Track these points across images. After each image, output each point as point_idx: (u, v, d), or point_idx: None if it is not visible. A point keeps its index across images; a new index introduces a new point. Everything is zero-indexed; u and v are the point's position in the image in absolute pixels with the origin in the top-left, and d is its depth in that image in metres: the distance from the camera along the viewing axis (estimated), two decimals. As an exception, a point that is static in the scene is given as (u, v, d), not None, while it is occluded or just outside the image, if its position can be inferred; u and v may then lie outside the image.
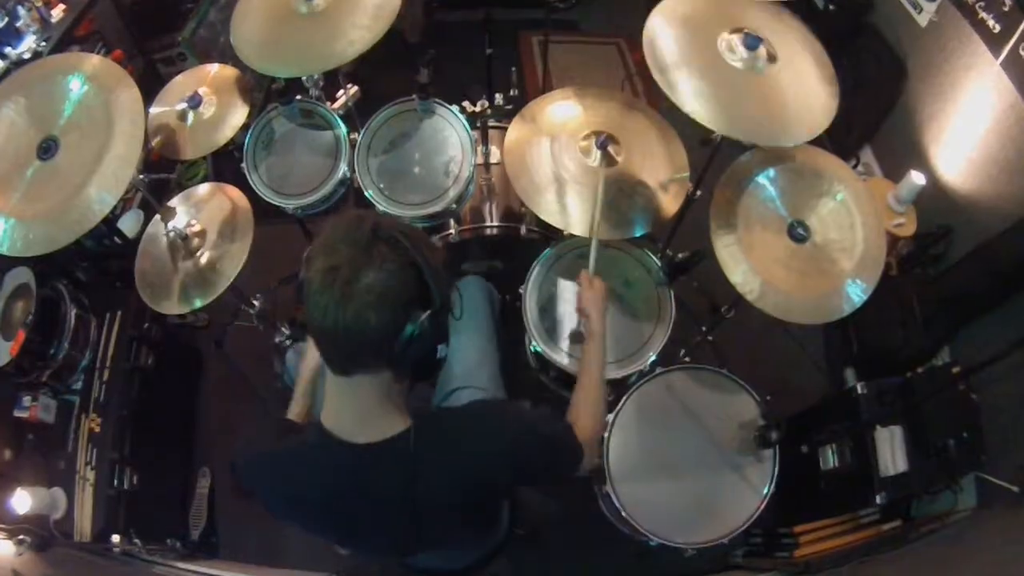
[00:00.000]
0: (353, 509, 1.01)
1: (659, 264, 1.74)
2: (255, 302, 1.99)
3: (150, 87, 1.80)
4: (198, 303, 1.61)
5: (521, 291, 1.70)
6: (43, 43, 2.17)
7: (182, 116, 1.83)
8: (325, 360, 0.94)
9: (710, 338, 2.12)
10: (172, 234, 1.65)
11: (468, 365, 1.57)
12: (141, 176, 1.64)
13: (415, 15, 3.07)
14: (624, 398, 1.61)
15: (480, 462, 1.01)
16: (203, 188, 1.78)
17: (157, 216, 1.71)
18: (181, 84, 1.90)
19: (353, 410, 0.96)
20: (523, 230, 1.90)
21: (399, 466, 0.96)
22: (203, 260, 1.65)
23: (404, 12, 1.58)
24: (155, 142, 1.81)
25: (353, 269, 0.84)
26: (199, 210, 1.74)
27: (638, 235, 1.62)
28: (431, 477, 0.98)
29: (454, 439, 1.02)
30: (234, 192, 1.74)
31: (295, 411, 1.31)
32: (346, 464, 0.97)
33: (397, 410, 0.98)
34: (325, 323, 0.86)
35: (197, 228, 1.69)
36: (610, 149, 1.65)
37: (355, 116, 1.98)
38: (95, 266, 2.20)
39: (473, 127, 1.77)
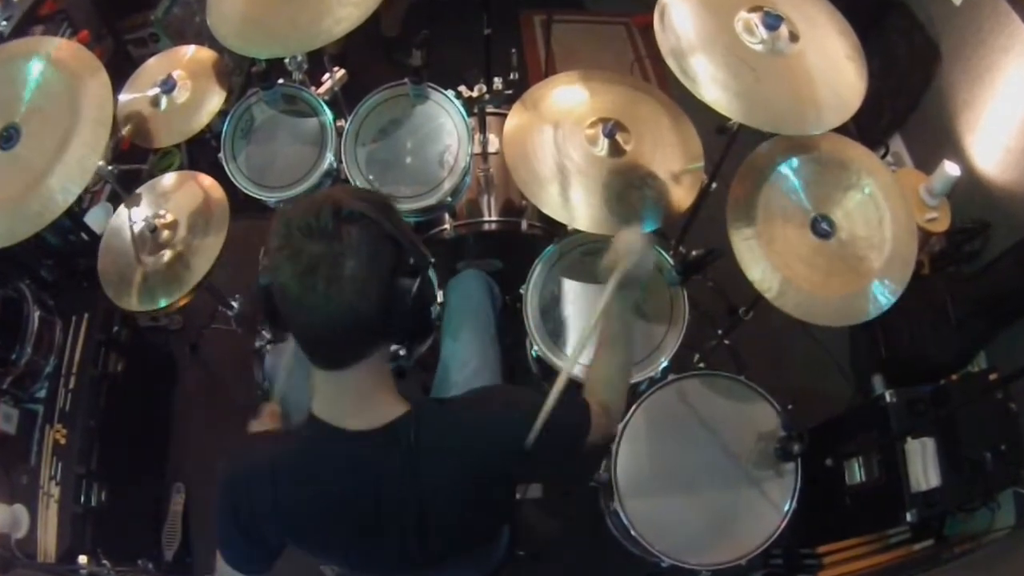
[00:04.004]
0: (353, 507, 1.01)
1: (671, 262, 1.74)
2: (233, 303, 1.99)
3: (120, 71, 1.80)
4: (163, 302, 1.60)
5: (522, 291, 1.70)
6: (3, 23, 2.16)
7: (154, 102, 1.82)
8: (316, 362, 0.95)
9: (726, 342, 2.13)
10: (138, 225, 1.65)
11: (467, 371, 1.57)
12: (110, 167, 1.64)
13: (397, 7, 3.06)
14: (634, 407, 1.61)
15: (487, 446, 1.02)
16: (171, 177, 1.78)
17: (121, 206, 1.71)
18: (153, 67, 1.89)
19: (350, 397, 0.98)
20: (524, 225, 1.90)
21: (402, 452, 0.97)
22: (172, 254, 1.64)
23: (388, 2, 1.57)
24: (125, 130, 1.81)
25: (330, 264, 0.85)
26: (168, 200, 1.73)
27: (648, 231, 1.62)
28: (436, 464, 0.99)
29: (459, 423, 1.03)
30: (207, 180, 1.74)
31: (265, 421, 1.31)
32: (346, 453, 0.98)
33: (394, 395, 1.01)
34: (314, 325, 0.88)
35: (167, 219, 1.68)
36: (618, 137, 1.65)
37: (342, 102, 1.98)
38: (60, 264, 2.19)
39: (470, 114, 1.77)
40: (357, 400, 0.98)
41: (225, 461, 1.06)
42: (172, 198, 1.73)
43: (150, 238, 1.65)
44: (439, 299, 1.71)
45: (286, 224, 0.87)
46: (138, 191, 1.74)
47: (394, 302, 0.90)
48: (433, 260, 1.75)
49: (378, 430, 0.97)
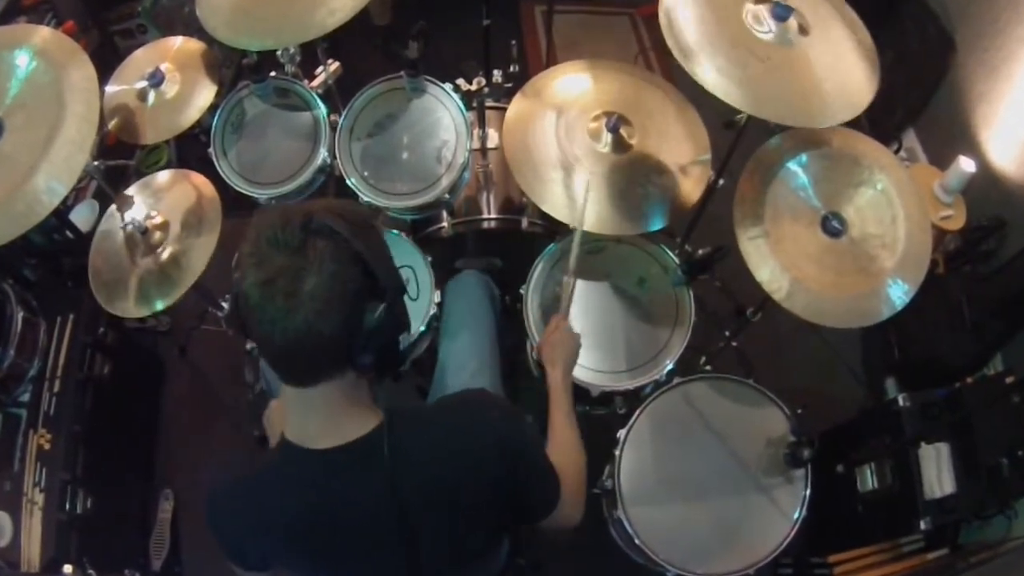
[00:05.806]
0: (334, 531, 1.00)
1: (677, 261, 1.74)
2: (223, 304, 1.99)
3: (106, 63, 1.80)
4: (159, 304, 1.61)
5: (522, 291, 1.70)
6: (-15, 13, 2.17)
7: (142, 95, 1.82)
8: (281, 376, 0.94)
9: (734, 344, 2.13)
10: (129, 227, 1.65)
11: (464, 373, 1.57)
12: (96, 163, 1.64)
13: None
14: (638, 411, 1.61)
15: (469, 452, 1.02)
16: (164, 175, 1.78)
17: (112, 208, 1.71)
18: (141, 60, 1.90)
19: (319, 417, 0.97)
20: (524, 223, 1.90)
21: (376, 466, 0.96)
22: (165, 256, 1.65)
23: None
24: (111, 125, 1.81)
25: (290, 278, 0.84)
26: (160, 200, 1.73)
27: (654, 229, 1.62)
28: (418, 476, 0.97)
29: (437, 429, 1.03)
30: (199, 179, 1.74)
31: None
32: (318, 475, 0.97)
33: (367, 408, 0.99)
34: (273, 340, 0.87)
35: (158, 220, 1.69)
36: (622, 132, 1.65)
37: (336, 95, 1.98)
38: (44, 264, 2.20)
39: (468, 108, 1.77)
40: (326, 419, 0.97)
41: (209, 483, 1.06)
42: (163, 198, 1.73)
43: (141, 240, 1.65)
44: (436, 299, 1.72)
45: (258, 228, 0.87)
46: (127, 191, 1.74)
47: (357, 328, 0.89)
48: (431, 259, 1.76)
49: (346, 446, 0.96)
